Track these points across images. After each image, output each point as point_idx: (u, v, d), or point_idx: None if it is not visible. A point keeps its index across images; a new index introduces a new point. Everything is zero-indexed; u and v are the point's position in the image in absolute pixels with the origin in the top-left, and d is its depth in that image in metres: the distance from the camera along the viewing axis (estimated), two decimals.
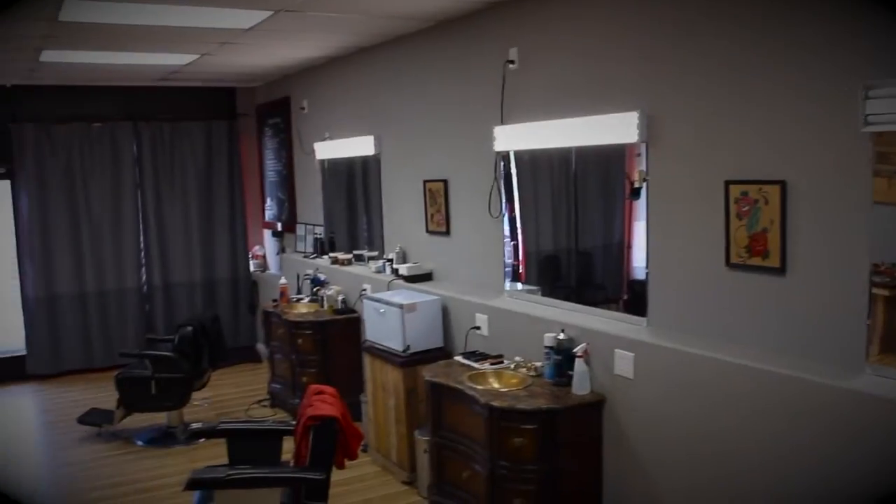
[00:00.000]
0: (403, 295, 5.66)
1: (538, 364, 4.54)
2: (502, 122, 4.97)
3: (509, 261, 5.24)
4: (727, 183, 3.55)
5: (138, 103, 8.93)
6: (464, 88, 5.47)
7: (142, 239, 9.03)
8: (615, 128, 4.07)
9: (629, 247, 4.46)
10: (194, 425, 4.35)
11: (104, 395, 7.65)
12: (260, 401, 7.51)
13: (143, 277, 9.08)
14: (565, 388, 4.27)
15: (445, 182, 5.74)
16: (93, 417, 6.86)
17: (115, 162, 8.84)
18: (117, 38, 5.99)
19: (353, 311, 6.69)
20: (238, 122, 9.36)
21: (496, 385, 4.49)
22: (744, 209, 3.48)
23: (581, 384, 4.20)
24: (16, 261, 8.71)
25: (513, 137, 4.89)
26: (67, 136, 8.64)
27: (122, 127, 8.85)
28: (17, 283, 8.73)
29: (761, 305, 3.47)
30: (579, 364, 4.20)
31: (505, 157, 5.13)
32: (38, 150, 8.55)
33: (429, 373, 4.79)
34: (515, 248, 5.23)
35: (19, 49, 6.30)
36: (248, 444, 4.15)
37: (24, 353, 8.79)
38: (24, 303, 8.72)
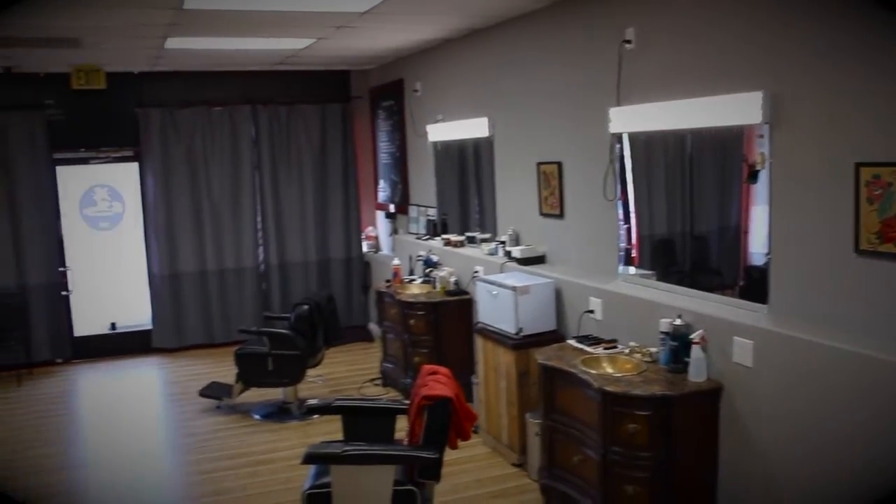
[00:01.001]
0: (516, 277, 5.65)
1: (653, 350, 4.47)
2: (618, 104, 4.88)
3: (622, 244, 5.17)
4: (858, 165, 3.39)
5: (256, 87, 9.18)
6: (579, 70, 5.40)
7: (259, 219, 9.30)
8: (737, 108, 3.93)
9: (746, 232, 4.33)
10: (310, 401, 4.46)
11: (224, 369, 7.94)
12: (372, 379, 7.65)
13: (261, 256, 9.36)
14: (681, 374, 4.19)
15: (559, 164, 5.69)
16: (213, 391, 7.12)
17: (234, 144, 9.12)
18: (238, 25, 6.16)
19: (466, 293, 6.73)
20: (352, 104, 9.50)
21: (610, 370, 4.44)
22: (875, 193, 3.32)
23: (697, 371, 4.11)
24: (143, 239, 9.12)
25: (629, 119, 4.81)
26: (189, 120, 8.97)
27: (240, 110, 9.12)
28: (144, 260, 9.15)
29: (893, 295, 3.31)
30: (696, 351, 4.11)
31: (619, 139, 5.04)
32: (163, 133, 8.89)
33: (541, 356, 4.77)
34: (628, 231, 5.15)
35: (146, 37, 6.56)
36: (363, 421, 4.23)
37: (149, 327, 9.20)
38: (149, 280, 9.12)
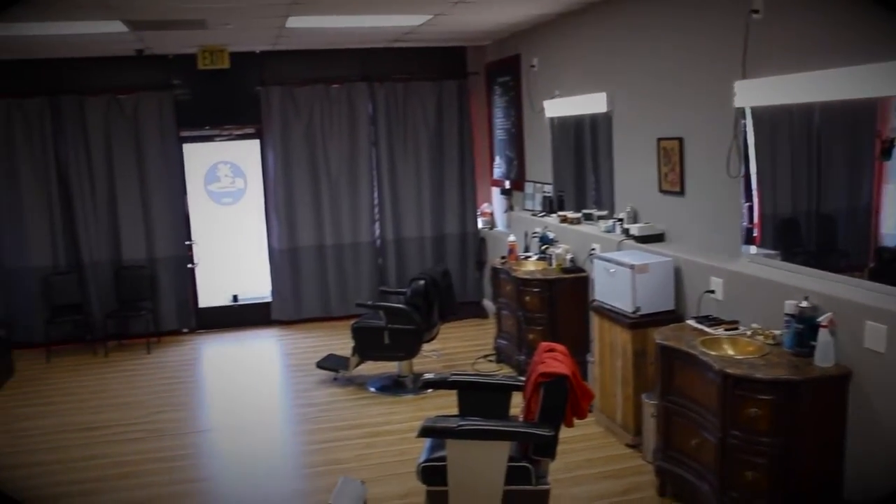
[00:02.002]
0: (634, 255, 5.55)
1: (776, 332, 4.32)
2: (744, 77, 4.70)
3: (743, 223, 4.99)
4: None
5: (373, 64, 9.27)
6: (701, 41, 5.23)
7: (375, 195, 9.42)
8: (878, 79, 3.70)
9: (877, 211, 4.10)
10: (426, 375, 4.50)
11: (340, 342, 8.11)
12: (486, 355, 7.67)
13: (377, 232, 9.48)
14: (806, 359, 4.03)
15: (680, 140, 5.54)
16: (330, 363, 7.29)
17: (351, 121, 9.25)
18: (358, 2, 6.22)
19: (582, 271, 6.65)
20: (468, 80, 9.49)
21: (731, 352, 4.31)
22: None
23: (824, 355, 3.94)
24: (263, 214, 9.38)
25: (755, 92, 4.62)
26: (308, 98, 9.14)
27: (358, 87, 9.23)
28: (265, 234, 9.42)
29: None
30: (823, 334, 3.94)
31: (742, 113, 4.86)
32: (283, 111, 9.10)
33: (659, 335, 4.68)
34: (750, 209, 4.97)
35: (269, 17, 6.70)
36: (478, 397, 4.25)
37: (269, 300, 9.48)
38: (269, 253, 9.38)
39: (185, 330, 9.30)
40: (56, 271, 8.81)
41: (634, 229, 5.92)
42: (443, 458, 3.78)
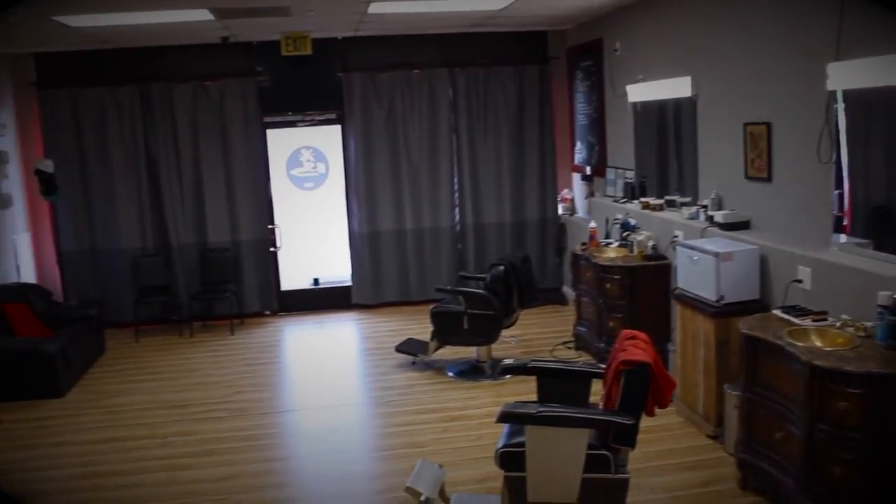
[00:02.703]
0: (718, 243, 5.44)
1: (868, 324, 4.18)
2: (837, 58, 4.54)
3: (833, 211, 4.84)
4: None
5: (454, 50, 9.27)
6: (791, 23, 5.07)
7: (456, 180, 9.43)
8: None
9: None
10: (506, 361, 4.50)
11: (418, 326, 8.17)
12: (565, 342, 7.63)
13: (457, 217, 9.50)
14: None
15: (768, 125, 5.39)
16: (409, 347, 7.34)
17: (431, 106, 9.27)
18: None
19: (664, 258, 6.55)
20: (549, 65, 9.41)
21: (819, 343, 4.19)
22: None
23: None
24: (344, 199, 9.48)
25: (851, 75, 4.45)
26: (390, 83, 9.19)
27: (438, 73, 9.24)
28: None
29: None
30: None
31: (834, 97, 4.69)
32: (364, 96, 9.17)
33: (744, 325, 4.58)
34: (840, 197, 4.81)
35: (351, 3, 6.76)
36: (558, 383, 4.22)
37: (349, 283, 9.59)
38: (350, 238, 9.48)
39: (267, 312, 9.49)
40: (144, 253, 9.09)
41: (719, 216, 5.79)
42: (521, 444, 3.77)
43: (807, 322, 4.46)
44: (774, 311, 4.78)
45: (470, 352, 7.16)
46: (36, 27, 6.94)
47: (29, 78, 8.89)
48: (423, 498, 4.05)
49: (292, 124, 9.47)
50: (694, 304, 5.43)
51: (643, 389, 3.67)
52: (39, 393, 6.93)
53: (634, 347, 3.76)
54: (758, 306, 5.16)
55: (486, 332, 6.84)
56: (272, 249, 9.42)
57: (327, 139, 9.56)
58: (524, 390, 5.78)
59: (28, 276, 8.79)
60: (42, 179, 8.44)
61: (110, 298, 9.07)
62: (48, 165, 8.42)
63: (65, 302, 8.88)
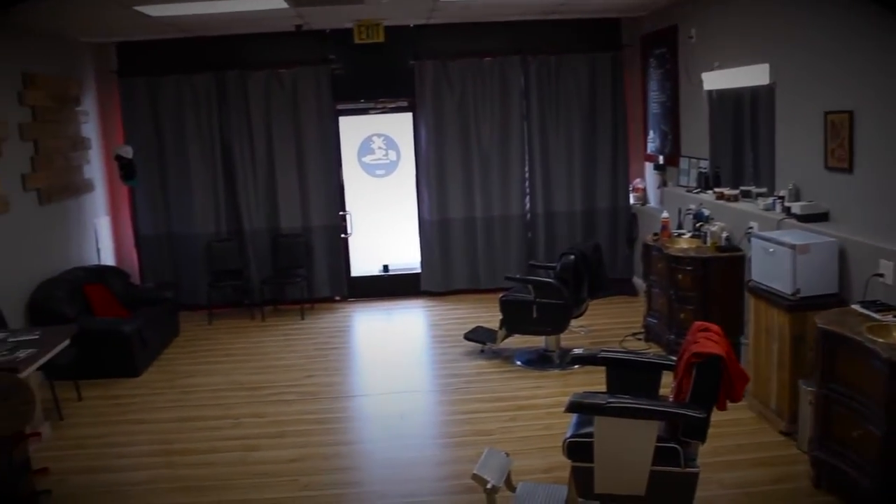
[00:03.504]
0: (795, 235, 5.31)
1: None
2: None
3: None
4: None
5: (526, 37, 9.20)
6: (878, 6, 4.89)
7: (526, 168, 9.39)
8: None
9: None
10: (575, 351, 4.47)
11: (487, 315, 8.18)
12: (634, 333, 7.55)
13: (527, 205, 9.46)
14: None
15: (850, 113, 5.22)
16: (478, 335, 7.34)
17: (503, 94, 9.23)
18: None
19: (737, 249, 6.42)
20: (622, 53, 9.28)
21: None
22: None
23: None
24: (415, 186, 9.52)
25: None
26: (461, 71, 9.18)
27: (510, 61, 9.20)
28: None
29: None
30: None
31: None
32: (436, 84, 9.18)
33: (821, 320, 4.46)
34: None
35: None
36: (628, 374, 4.19)
37: (418, 271, 9.64)
38: (419, 225, 9.52)
39: (337, 298, 9.61)
40: (218, 238, 9.27)
41: (796, 207, 5.65)
42: (590, 435, 3.75)
43: (888, 318, 4.32)
44: (853, 306, 4.66)
45: (538, 341, 7.13)
46: (117, 17, 7.12)
47: (110, 66, 9.14)
48: (489, 486, 4.06)
49: (364, 112, 9.53)
50: (768, 297, 5.32)
51: (715, 382, 3.61)
52: (117, 372, 7.15)
53: (707, 340, 3.70)
54: (835, 301, 5.03)
55: (555, 321, 6.81)
56: (343, 236, 9.52)
57: (398, 127, 9.61)
58: (592, 381, 5.75)
59: (107, 258, 9.06)
60: (122, 165, 8.67)
61: (185, 282, 9.29)
62: (128, 151, 8.65)
63: (142, 284, 9.13)
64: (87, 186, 8.65)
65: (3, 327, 6.31)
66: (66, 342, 5.94)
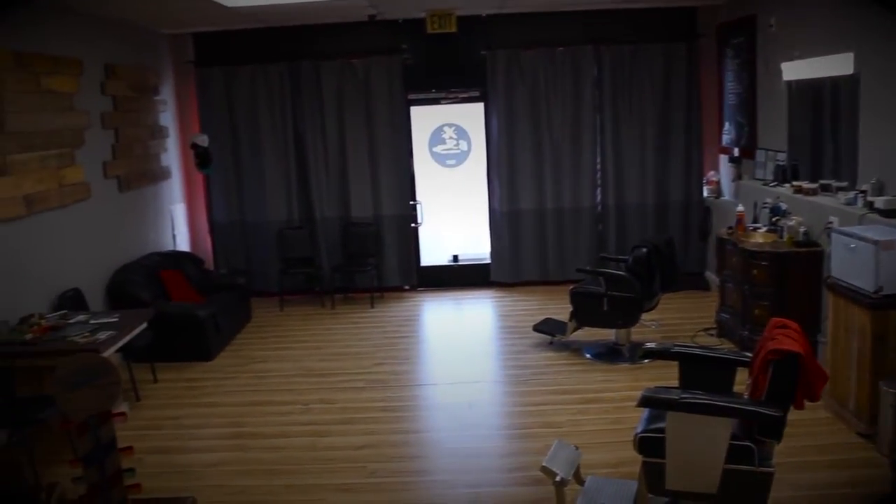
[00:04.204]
0: (878, 230, 5.14)
1: None
2: None
3: None
4: None
5: (599, 27, 9.09)
6: None
7: (598, 160, 9.28)
8: None
9: None
10: (648, 345, 4.42)
11: (555, 306, 8.14)
12: (706, 329, 7.42)
13: (598, 197, 9.36)
14: None
15: None
16: (547, 327, 7.31)
17: (575, 85, 9.14)
18: None
19: (816, 245, 6.25)
20: (698, 43, 9.10)
21: None
22: None
23: None
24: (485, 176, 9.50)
25: None
26: (533, 61, 9.12)
27: (583, 51, 9.09)
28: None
29: None
30: None
31: None
32: (508, 74, 9.13)
33: None
34: None
35: None
36: (701, 370, 4.12)
37: (488, 261, 9.63)
38: (490, 216, 9.50)
39: (406, 287, 9.65)
40: (290, 226, 9.39)
41: (879, 202, 5.46)
42: (661, 430, 3.70)
43: None
44: None
45: (608, 334, 7.06)
46: (196, 8, 7.26)
47: (187, 57, 9.32)
48: (558, 478, 4.04)
49: (435, 101, 9.54)
50: (849, 294, 5.17)
51: (793, 381, 3.52)
52: (191, 355, 7.30)
53: (785, 336, 3.61)
54: None
55: (625, 314, 6.73)
56: (413, 225, 9.55)
57: (470, 116, 9.59)
58: (663, 376, 5.68)
59: (182, 244, 9.26)
60: (197, 153, 8.84)
61: (257, 268, 9.44)
62: (203, 140, 8.81)
63: (215, 270, 9.31)
64: (164, 174, 8.85)
65: (85, 309, 6.50)
66: (144, 325, 6.12)
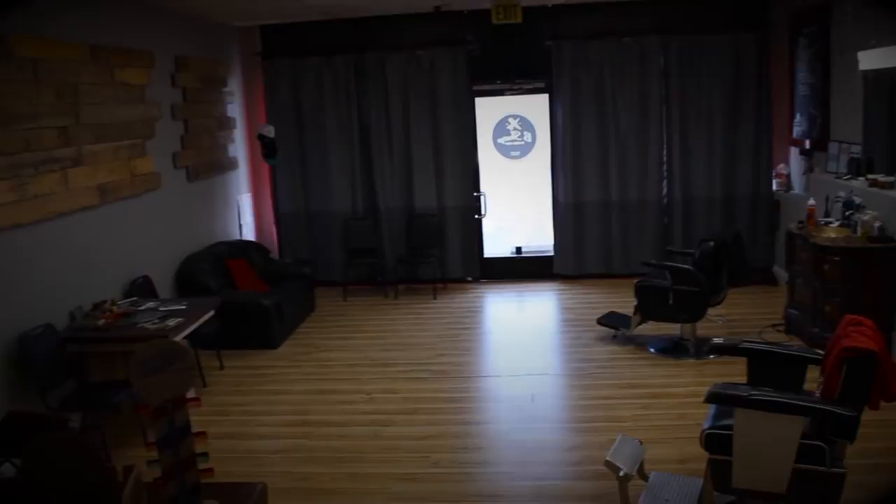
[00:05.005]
0: None
1: None
2: None
3: None
4: None
5: (667, 16, 8.95)
6: None
7: (664, 152, 9.16)
8: None
9: None
10: (716, 340, 4.33)
11: (619, 300, 8.06)
12: (774, 325, 7.26)
13: (664, 190, 9.23)
14: None
15: None
16: (611, 320, 7.24)
17: (642, 76, 9.02)
18: None
19: (891, 240, 6.08)
20: (768, 32, 8.89)
21: None
22: None
23: None
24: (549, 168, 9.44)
25: None
26: (599, 52, 9.02)
27: (650, 41, 8.96)
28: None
29: None
30: None
31: None
32: (573, 65, 9.06)
33: None
34: None
35: None
36: (771, 367, 4.04)
37: (551, 254, 9.57)
38: (553, 207, 9.44)
39: (469, 279, 9.65)
40: (354, 217, 9.47)
41: None
42: (729, 427, 3.64)
43: None
44: None
45: (673, 328, 6.97)
46: (268, 1, 7.33)
47: (255, 49, 9.45)
48: (622, 473, 4.00)
49: (500, 93, 9.51)
50: None
51: (868, 380, 3.43)
52: (257, 343, 7.41)
53: (859, 334, 3.52)
54: None
55: (691, 309, 6.63)
56: (476, 217, 9.54)
57: (535, 108, 9.54)
58: (729, 372, 5.58)
59: (248, 234, 9.40)
60: (263, 144, 8.96)
61: (321, 258, 9.54)
62: (270, 131, 8.93)
63: (280, 259, 9.42)
64: (232, 164, 8.99)
65: (154, 296, 6.65)
66: (211, 313, 6.24)
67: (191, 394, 2.60)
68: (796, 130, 8.81)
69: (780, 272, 8.55)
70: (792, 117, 8.92)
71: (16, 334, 5.10)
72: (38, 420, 4.17)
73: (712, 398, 3.67)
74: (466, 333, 7.81)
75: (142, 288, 6.61)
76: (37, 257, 5.42)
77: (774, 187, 9.08)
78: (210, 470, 2.65)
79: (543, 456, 5.09)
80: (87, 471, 2.28)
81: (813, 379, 4.03)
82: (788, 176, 9.01)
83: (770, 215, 9.06)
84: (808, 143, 8.41)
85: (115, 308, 5.79)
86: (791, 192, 8.85)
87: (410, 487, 4.76)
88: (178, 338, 5.38)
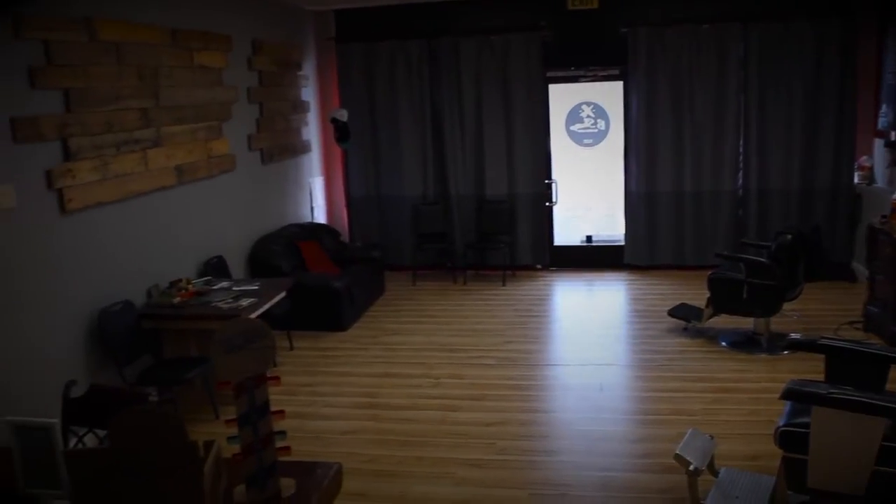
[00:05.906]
0: None
1: None
2: None
3: None
4: None
5: (747, 3, 8.72)
6: None
7: (741, 143, 8.96)
8: None
9: None
10: (793, 335, 4.26)
11: (690, 292, 7.94)
12: (852, 322, 7.05)
13: (739, 181, 9.04)
14: None
15: None
16: (682, 312, 7.13)
17: (720, 64, 8.82)
18: None
19: None
20: (854, 19, 8.60)
21: None
22: None
23: None
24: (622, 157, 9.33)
25: None
26: (676, 39, 8.84)
27: (729, 28, 8.75)
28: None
29: None
30: None
31: None
32: (649, 52, 8.90)
33: None
34: None
35: None
36: (851, 365, 3.92)
37: (622, 243, 9.47)
38: (625, 197, 9.33)
39: (538, 266, 9.61)
40: (425, 202, 9.50)
41: None
42: (805, 425, 3.55)
43: None
44: None
45: (746, 322, 6.82)
46: None
47: (329, 33, 9.52)
48: (692, 468, 3.94)
49: (574, 79, 9.41)
50: None
51: None
52: (326, 325, 7.50)
53: None
54: None
55: (766, 303, 6.48)
56: (547, 204, 9.48)
57: (609, 95, 9.43)
58: (804, 368, 5.47)
59: (320, 216, 9.51)
60: (336, 127, 9.02)
61: (391, 242, 9.60)
62: (343, 115, 8.99)
63: (351, 243, 9.50)
64: (305, 148, 9.09)
65: (228, 276, 6.77)
66: (283, 294, 6.33)
67: (269, 373, 2.63)
68: (881, 121, 8.52)
69: (860, 268, 8.30)
70: (877, 108, 8.64)
71: (96, 310, 5.25)
72: (119, 393, 4.30)
73: (789, 395, 3.58)
74: (535, 321, 7.78)
75: (216, 267, 6.74)
76: (117, 235, 5.57)
77: (856, 180, 8.81)
78: (287, 448, 2.69)
79: (611, 447, 5.04)
80: (171, 444, 2.33)
81: (894, 379, 3.92)
82: (871, 168, 8.73)
83: (850, 209, 8.78)
84: (893, 135, 8.14)
85: (190, 287, 5.92)
86: (873, 185, 8.58)
87: (476, 473, 4.76)
88: (252, 316, 5.47)
